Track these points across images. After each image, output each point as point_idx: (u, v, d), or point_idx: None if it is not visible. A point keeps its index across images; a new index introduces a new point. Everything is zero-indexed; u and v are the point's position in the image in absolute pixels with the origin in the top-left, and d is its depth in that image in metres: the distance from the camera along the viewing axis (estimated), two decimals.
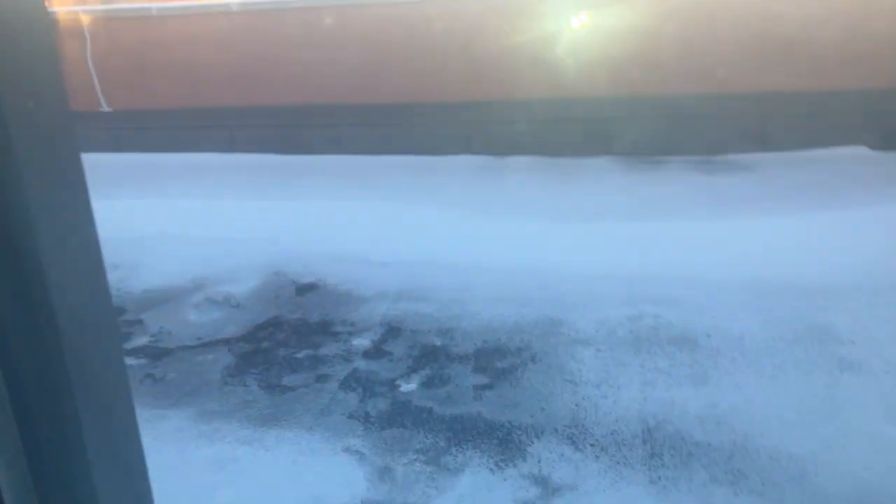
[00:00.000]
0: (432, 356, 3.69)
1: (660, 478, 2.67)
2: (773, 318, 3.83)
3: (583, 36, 6.54)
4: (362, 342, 3.89)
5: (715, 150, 6.73)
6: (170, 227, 5.61)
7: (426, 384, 3.43)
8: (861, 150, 6.25)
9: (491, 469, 2.78)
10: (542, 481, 2.70)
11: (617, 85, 6.60)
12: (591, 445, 2.88)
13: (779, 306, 3.95)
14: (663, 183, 6.01)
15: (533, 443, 2.92)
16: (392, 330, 4.00)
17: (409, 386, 3.42)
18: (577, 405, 3.17)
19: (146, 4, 7.29)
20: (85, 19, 7.30)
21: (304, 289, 4.64)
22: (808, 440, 2.83)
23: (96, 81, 7.39)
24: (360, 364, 3.66)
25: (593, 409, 3.13)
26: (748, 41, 6.37)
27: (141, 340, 4.11)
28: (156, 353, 3.94)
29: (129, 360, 3.87)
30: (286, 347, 3.90)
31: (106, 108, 7.42)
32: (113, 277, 5.01)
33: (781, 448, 2.79)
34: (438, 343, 3.83)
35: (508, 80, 6.70)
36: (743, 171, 6.19)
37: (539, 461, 2.81)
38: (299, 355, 3.80)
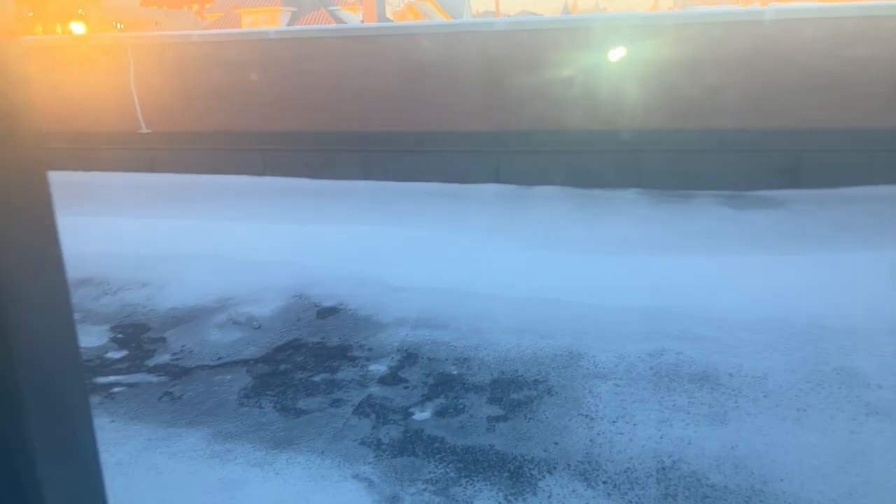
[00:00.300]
0: (448, 385, 3.67)
1: None
2: (799, 360, 3.74)
3: (614, 69, 6.56)
4: (379, 368, 3.89)
5: (746, 185, 6.65)
6: (199, 247, 5.72)
7: (440, 413, 3.41)
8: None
9: (500, 502, 2.74)
10: None
11: (648, 118, 6.59)
12: (604, 483, 2.82)
13: (805, 347, 3.85)
14: (691, 217, 5.95)
15: (544, 477, 2.88)
16: (409, 357, 4.00)
17: (422, 414, 3.40)
18: (591, 440, 3.12)
19: (188, 32, 7.53)
20: (129, 45, 7.57)
21: (326, 312, 4.67)
22: (830, 487, 2.73)
23: (137, 104, 7.63)
24: (376, 390, 3.66)
25: (608, 446, 3.07)
26: (786, 76, 6.32)
27: (162, 358, 4.17)
28: (176, 372, 3.99)
29: (150, 378, 3.93)
30: (304, 370, 3.92)
31: (145, 130, 7.64)
32: (141, 295, 5.12)
33: (802, 495, 2.70)
34: (455, 372, 3.81)
35: (538, 111, 6.74)
36: (773, 208, 6.10)
37: (549, 496, 2.76)
38: (316, 379, 3.82)
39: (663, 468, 2.89)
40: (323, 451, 3.13)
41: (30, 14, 67.42)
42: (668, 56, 6.44)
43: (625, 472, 2.88)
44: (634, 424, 3.22)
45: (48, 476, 0.63)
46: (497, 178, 6.94)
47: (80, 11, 61.65)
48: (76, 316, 4.85)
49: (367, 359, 4.02)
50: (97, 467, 0.71)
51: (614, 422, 3.25)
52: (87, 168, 7.91)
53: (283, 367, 3.98)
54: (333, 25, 7.34)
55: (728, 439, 3.08)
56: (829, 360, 3.70)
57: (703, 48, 6.42)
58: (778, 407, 3.32)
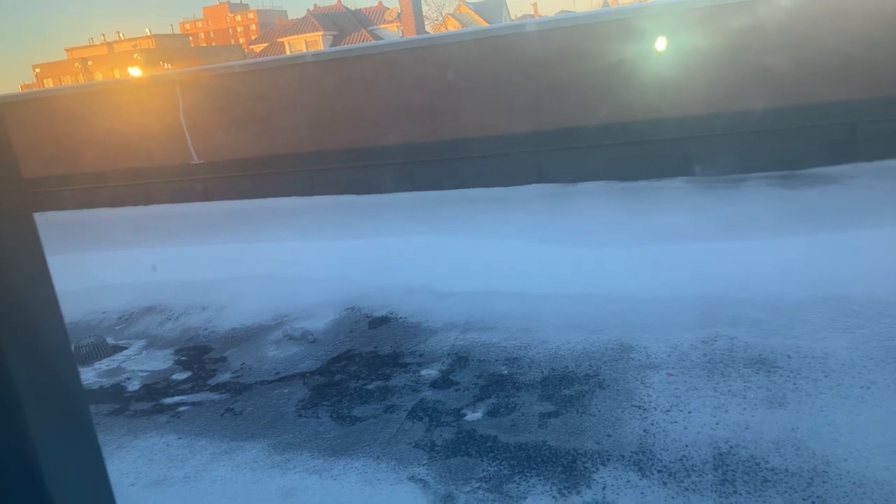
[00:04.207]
0: (499, 385, 3.69)
1: None
2: (861, 337, 3.61)
3: (655, 58, 6.48)
4: (430, 373, 3.94)
5: (798, 163, 6.45)
6: (254, 269, 5.91)
7: (491, 413, 3.43)
8: None
9: (554, 496, 2.74)
10: None
11: (690, 105, 6.47)
12: (659, 472, 2.79)
13: (867, 324, 3.71)
14: (742, 201, 5.80)
15: (598, 470, 2.86)
16: (460, 360, 4.04)
17: (474, 415, 3.43)
18: (645, 431, 3.08)
19: (230, 63, 7.81)
20: (177, 81, 7.89)
21: (377, 322, 4.76)
22: None
23: (188, 137, 7.94)
24: (428, 394, 3.70)
25: (662, 435, 3.03)
26: (831, 47, 6.11)
27: (223, 377, 4.33)
28: (237, 389, 4.13)
29: (213, 396, 4.08)
30: (357, 379, 4.00)
31: (197, 161, 7.95)
32: (201, 318, 5.32)
33: (867, 473, 2.60)
34: (505, 372, 3.82)
35: (576, 106, 6.71)
36: (828, 184, 5.89)
37: (604, 488, 2.75)
38: (370, 386, 3.89)
39: (720, 454, 2.84)
40: (378, 456, 3.19)
41: (89, 63, 70.90)
42: (708, 42, 6.32)
43: (680, 460, 2.84)
44: (689, 412, 3.17)
45: (52, 475, 0.69)
46: (540, 178, 6.92)
47: (136, 55, 64.44)
48: (142, 342, 5.09)
49: (419, 364, 4.07)
50: (101, 463, 0.77)
51: (668, 411, 3.21)
52: (147, 202, 8.27)
53: (337, 377, 4.08)
54: (365, 43, 7.48)
55: (787, 422, 3.00)
56: (893, 336, 3.56)
57: (744, 28, 6.27)
58: (840, 386, 3.21)
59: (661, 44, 6.45)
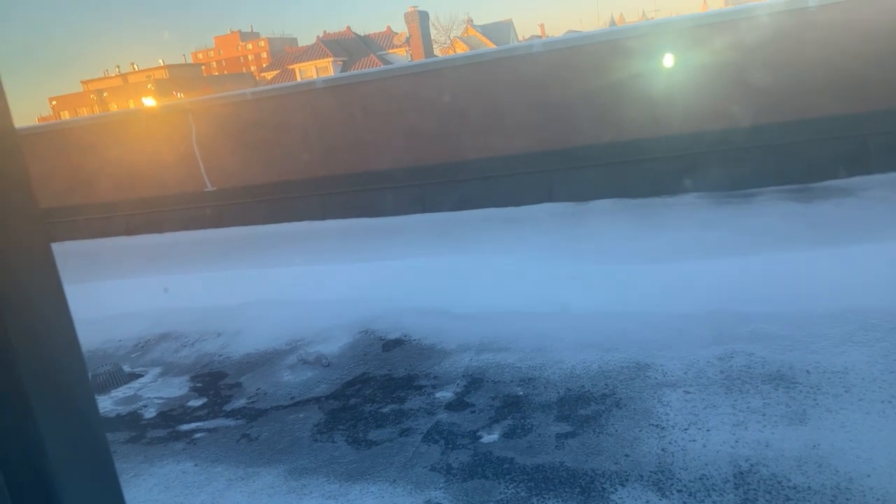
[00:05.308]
0: (514, 406, 3.67)
1: None
2: (882, 351, 3.56)
3: (664, 75, 6.50)
4: (445, 395, 3.92)
5: (811, 177, 6.42)
6: (268, 294, 5.94)
7: (507, 435, 3.40)
8: None
9: None
10: None
11: (700, 120, 6.47)
12: (679, 491, 2.75)
13: (887, 337, 3.66)
14: (755, 215, 5.78)
15: (616, 490, 2.83)
16: (474, 381, 4.02)
17: (490, 437, 3.41)
18: (663, 450, 3.05)
19: (242, 91, 7.92)
20: (189, 110, 8.01)
21: (391, 345, 4.76)
22: None
23: (201, 165, 8.03)
24: (443, 416, 3.68)
25: (681, 454, 2.99)
26: (839, 61, 6.11)
27: (239, 403, 4.33)
28: (252, 414, 4.13)
29: (228, 422, 4.08)
30: (372, 403, 3.99)
31: (210, 188, 8.03)
32: (216, 344, 5.34)
33: (892, 489, 2.55)
34: (521, 392, 3.80)
35: (585, 124, 6.73)
36: (843, 197, 5.85)
37: None
38: (385, 410, 3.88)
39: (740, 473, 2.80)
40: (394, 480, 3.17)
41: (105, 94, 72.08)
42: (715, 57, 6.34)
43: (700, 479, 2.80)
44: (707, 430, 3.13)
45: (64, 482, 0.70)
46: (550, 198, 6.93)
47: (149, 86, 65.47)
48: (158, 369, 5.11)
49: (434, 387, 4.06)
50: (118, 492, 0.78)
51: (686, 429, 3.17)
52: (160, 230, 8.35)
53: (352, 401, 4.07)
54: (374, 69, 7.57)
55: (809, 438, 2.95)
56: None
57: (751, 46, 6.28)
58: (861, 401, 3.16)
59: (669, 60, 6.47)
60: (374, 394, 4.11)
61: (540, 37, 53.79)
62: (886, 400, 3.13)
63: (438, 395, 3.94)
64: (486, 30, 55.58)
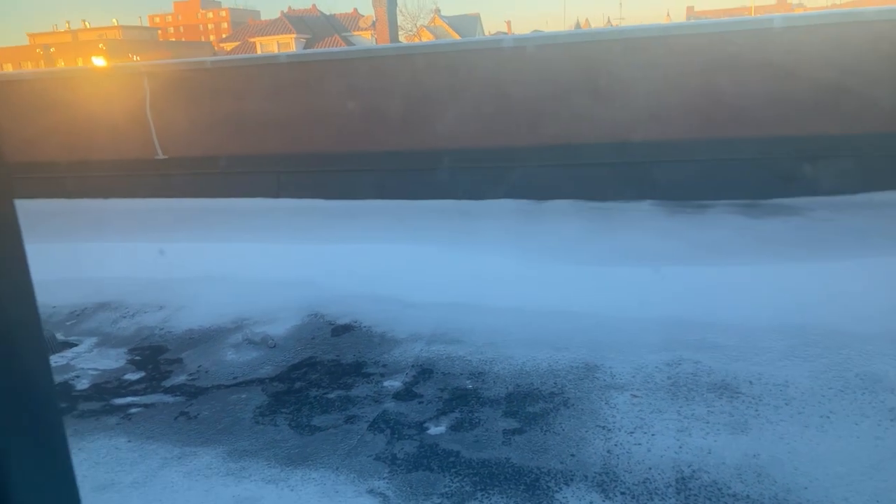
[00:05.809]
0: (463, 399, 3.64)
1: None
2: (821, 366, 3.66)
3: (626, 82, 6.56)
4: (393, 384, 3.87)
5: (762, 193, 6.58)
6: (215, 270, 5.76)
7: (455, 427, 3.38)
8: None
9: None
10: None
11: (660, 129, 6.57)
12: (622, 493, 2.77)
13: (826, 353, 3.78)
14: (706, 227, 5.89)
15: (561, 489, 2.83)
16: (424, 372, 3.98)
17: (437, 429, 3.38)
18: (609, 451, 3.07)
19: (201, 58, 7.66)
20: (145, 73, 7.70)
21: (340, 330, 4.67)
22: (856, 494, 2.66)
23: (154, 131, 7.74)
24: (390, 406, 3.63)
25: (626, 456, 3.02)
26: (795, 87, 6.28)
27: (179, 379, 4.19)
28: (192, 392, 4.00)
29: (166, 398, 3.94)
30: (318, 388, 3.91)
31: (161, 156, 7.75)
32: (157, 317, 5.16)
33: (826, 503, 2.63)
34: (470, 386, 3.78)
35: (548, 125, 6.74)
36: (790, 215, 6.02)
37: None
38: (331, 396, 3.80)
39: (683, 478, 2.84)
40: (338, 468, 3.11)
41: (52, 49, 69.08)
42: (679, 68, 6.43)
43: (643, 482, 2.83)
44: (653, 435, 3.17)
45: (18, 473, 0.63)
46: (510, 194, 6.92)
47: (101, 45, 63.06)
48: (94, 339, 4.91)
49: (382, 375, 4.00)
50: (68, 462, 0.71)
51: (632, 432, 3.20)
52: (106, 195, 8.02)
53: (298, 384, 3.98)
54: (342, 48, 7.43)
55: (749, 448, 3.01)
56: (851, 366, 3.62)
57: (716, 59, 6.40)
58: (801, 414, 3.25)
59: (631, 68, 6.53)
60: (320, 378, 4.03)
61: (506, 33, 53.90)
62: (824, 415, 3.22)
63: (387, 383, 3.89)
64: (454, 21, 55.44)
